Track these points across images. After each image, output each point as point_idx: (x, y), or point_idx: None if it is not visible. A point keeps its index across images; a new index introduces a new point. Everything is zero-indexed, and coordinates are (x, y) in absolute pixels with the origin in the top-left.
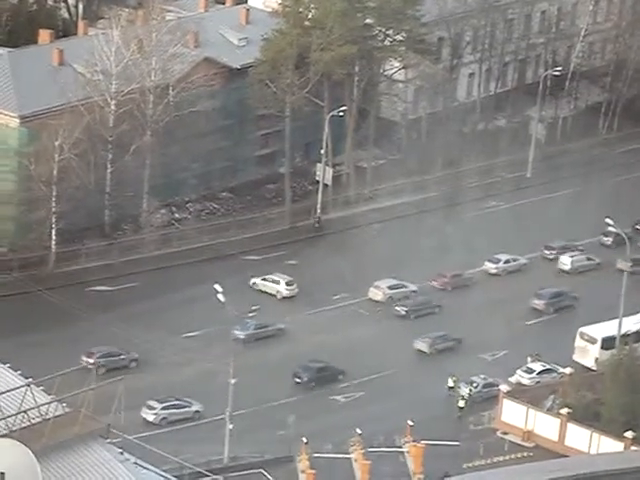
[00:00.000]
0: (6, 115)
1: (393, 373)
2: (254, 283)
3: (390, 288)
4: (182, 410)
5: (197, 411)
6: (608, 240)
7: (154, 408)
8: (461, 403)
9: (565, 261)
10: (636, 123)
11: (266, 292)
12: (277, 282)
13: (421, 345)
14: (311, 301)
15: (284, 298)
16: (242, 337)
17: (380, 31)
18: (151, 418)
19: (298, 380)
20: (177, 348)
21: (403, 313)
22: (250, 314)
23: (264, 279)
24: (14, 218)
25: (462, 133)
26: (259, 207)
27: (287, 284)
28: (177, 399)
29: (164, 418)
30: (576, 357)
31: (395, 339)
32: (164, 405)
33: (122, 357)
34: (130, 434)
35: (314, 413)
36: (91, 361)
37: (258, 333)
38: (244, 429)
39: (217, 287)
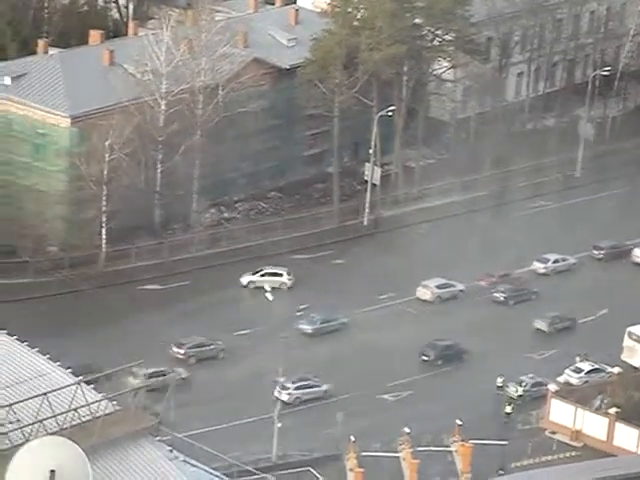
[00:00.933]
0: (57, 115)
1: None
2: (250, 282)
3: (438, 287)
4: (313, 390)
5: (326, 391)
6: None
7: (288, 388)
8: (508, 409)
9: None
10: None
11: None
12: (279, 274)
13: (540, 324)
14: (359, 299)
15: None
16: (309, 331)
17: (429, 31)
18: (285, 398)
19: (425, 358)
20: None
21: (502, 299)
22: (298, 313)
23: (262, 274)
24: (65, 217)
25: (511, 133)
26: (307, 206)
27: (287, 274)
28: (308, 380)
29: (297, 397)
30: (624, 357)
31: (505, 321)
32: (297, 385)
33: (212, 347)
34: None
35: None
36: (182, 352)
37: (324, 327)
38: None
39: (265, 286)
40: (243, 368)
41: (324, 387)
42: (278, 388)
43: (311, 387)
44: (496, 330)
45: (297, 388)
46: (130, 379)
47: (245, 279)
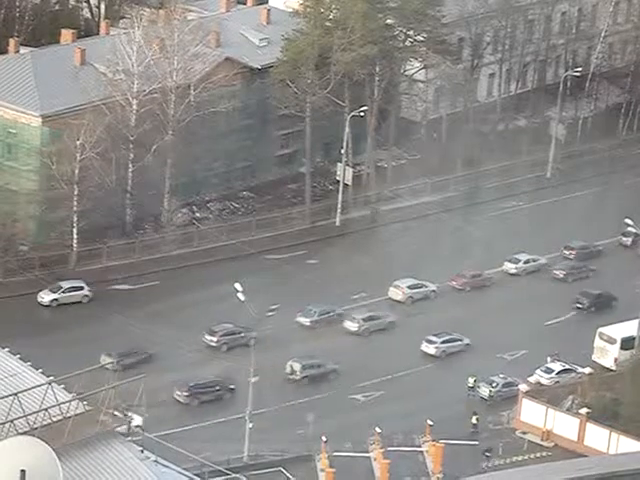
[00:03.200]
0: (28, 114)
1: None
2: (53, 300)
3: (410, 288)
4: (457, 344)
5: (468, 344)
6: (627, 240)
7: (434, 342)
8: (474, 419)
9: None
10: None
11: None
12: (79, 288)
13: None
14: (332, 299)
15: None
16: (307, 324)
17: (401, 31)
18: (432, 351)
19: (579, 305)
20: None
21: (561, 276)
22: (269, 313)
23: (63, 290)
24: (36, 217)
25: (482, 133)
26: (279, 206)
27: (87, 285)
28: (451, 334)
29: (444, 351)
30: (595, 357)
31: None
32: (443, 339)
33: (242, 335)
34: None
35: None
36: (214, 339)
37: (322, 319)
38: None
39: (237, 286)
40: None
41: (465, 341)
42: (425, 342)
43: (455, 341)
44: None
45: (443, 342)
46: (349, 323)
47: (46, 298)
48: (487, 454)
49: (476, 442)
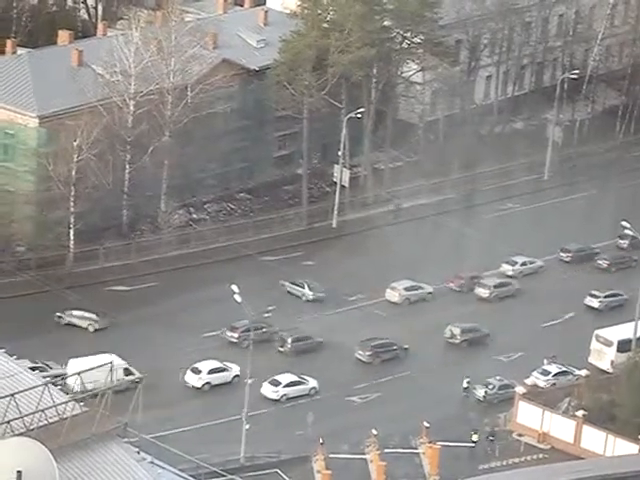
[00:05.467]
0: (25, 115)
1: None
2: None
3: (406, 289)
4: (479, 333)
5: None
6: (624, 243)
7: (457, 330)
8: (474, 437)
9: None
10: None
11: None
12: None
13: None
14: (329, 301)
15: None
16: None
17: (398, 33)
18: (596, 305)
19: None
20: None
21: (605, 266)
22: (266, 314)
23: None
24: (33, 218)
25: (479, 135)
26: (276, 208)
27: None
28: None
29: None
30: (592, 359)
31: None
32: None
33: (264, 331)
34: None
35: None
36: (235, 335)
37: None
38: None
39: (234, 288)
40: None
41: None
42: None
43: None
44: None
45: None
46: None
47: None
48: (491, 438)
49: (473, 444)
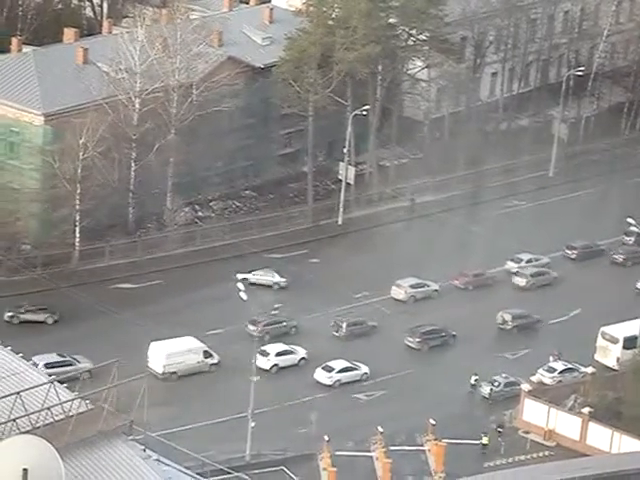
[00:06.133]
0: (31, 113)
1: None
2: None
3: (412, 287)
4: (529, 320)
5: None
6: (630, 240)
7: (509, 316)
8: (485, 440)
9: None
10: None
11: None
12: None
13: None
14: (335, 298)
15: None
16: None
17: (403, 30)
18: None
19: None
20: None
21: (620, 260)
22: (273, 312)
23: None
24: (39, 215)
25: (485, 132)
26: (282, 205)
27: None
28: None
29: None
30: (598, 356)
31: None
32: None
33: (284, 324)
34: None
35: None
36: (257, 329)
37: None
38: None
39: (239, 285)
40: None
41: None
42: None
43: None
44: None
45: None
46: (517, 279)
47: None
48: (499, 429)
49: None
